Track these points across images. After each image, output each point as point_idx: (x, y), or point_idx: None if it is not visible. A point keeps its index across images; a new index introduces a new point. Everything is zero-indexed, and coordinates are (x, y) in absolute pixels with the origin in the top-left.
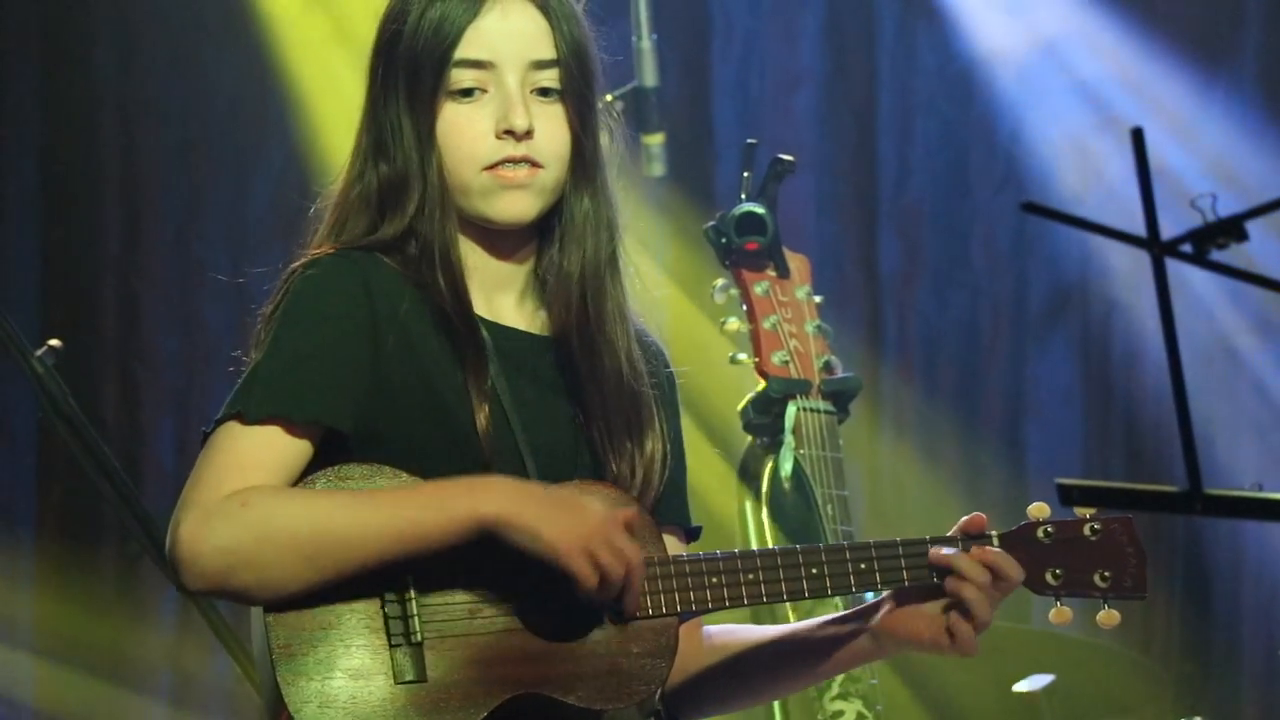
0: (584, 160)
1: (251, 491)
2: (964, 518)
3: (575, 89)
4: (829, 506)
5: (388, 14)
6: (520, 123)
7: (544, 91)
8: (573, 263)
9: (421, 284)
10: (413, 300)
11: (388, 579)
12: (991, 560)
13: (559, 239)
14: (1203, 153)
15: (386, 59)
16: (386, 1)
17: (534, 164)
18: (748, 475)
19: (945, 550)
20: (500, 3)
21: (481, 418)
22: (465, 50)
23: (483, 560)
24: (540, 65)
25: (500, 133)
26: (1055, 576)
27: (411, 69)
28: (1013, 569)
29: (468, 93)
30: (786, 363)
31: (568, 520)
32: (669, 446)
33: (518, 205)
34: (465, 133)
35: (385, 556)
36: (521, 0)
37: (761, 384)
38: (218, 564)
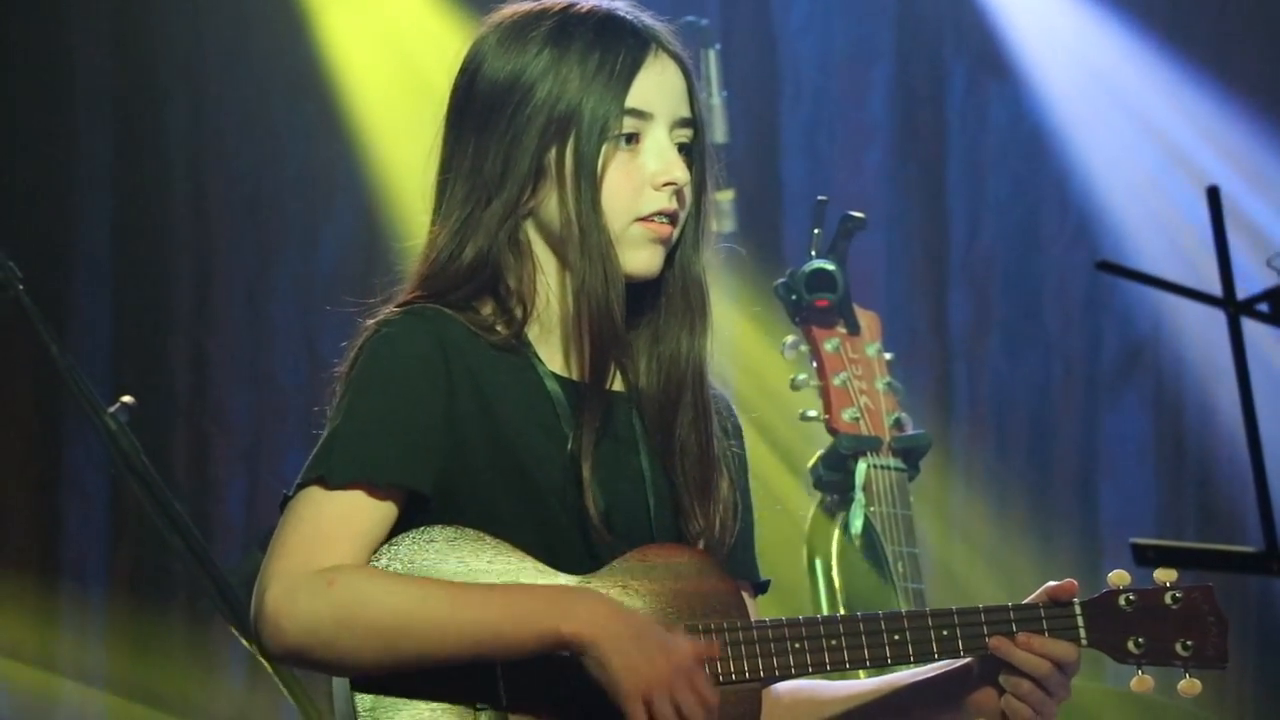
0: (703, 223)
1: (340, 570)
2: (1052, 584)
3: (703, 151)
4: (900, 564)
5: (510, 52)
6: (683, 176)
7: (679, 148)
8: (672, 326)
9: (494, 341)
10: (487, 358)
11: (479, 687)
12: (1046, 651)
13: (664, 299)
14: None
15: (521, 100)
16: (494, 43)
17: (673, 221)
18: (818, 532)
19: (1003, 644)
20: (659, 57)
21: (561, 476)
22: (633, 99)
23: (574, 675)
24: (683, 123)
25: (660, 185)
26: (1138, 645)
27: (570, 113)
28: (1067, 651)
29: (631, 141)
30: (857, 420)
31: (641, 659)
32: (739, 498)
33: (655, 260)
34: (627, 182)
35: (463, 657)
36: (671, 58)
37: (831, 441)
38: (299, 640)
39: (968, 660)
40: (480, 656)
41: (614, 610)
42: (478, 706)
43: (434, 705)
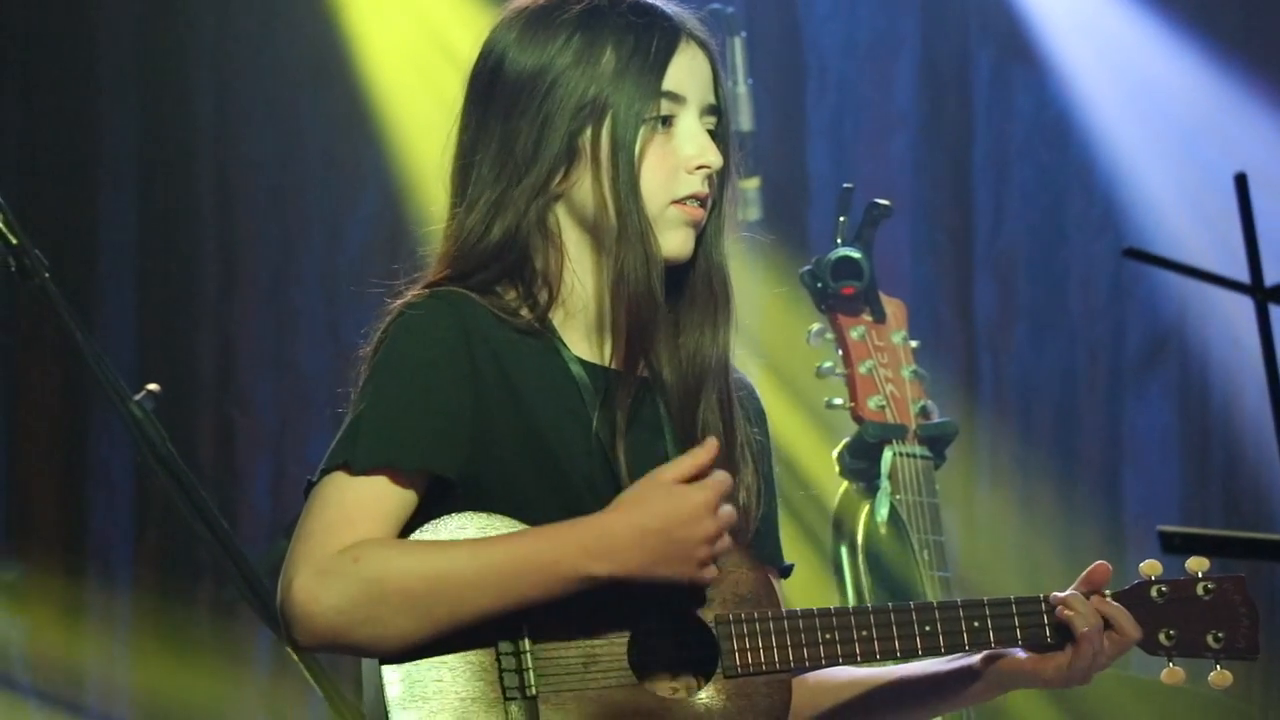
0: (726, 211)
1: (363, 546)
2: (1089, 567)
3: (727, 138)
4: (925, 552)
5: (539, 37)
6: (717, 160)
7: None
8: (695, 314)
9: (517, 325)
10: (511, 342)
11: (502, 628)
12: (1108, 611)
13: (688, 287)
14: None
15: (553, 82)
16: (520, 27)
17: (705, 204)
18: (844, 520)
19: (1060, 595)
20: (690, 43)
21: (586, 462)
22: (668, 82)
23: (597, 609)
24: (711, 110)
25: (693, 168)
26: (1169, 637)
27: (606, 95)
28: (1128, 623)
29: (665, 124)
30: (883, 408)
31: (674, 551)
32: (763, 484)
33: (688, 243)
34: (662, 165)
35: (498, 610)
36: (699, 45)
37: (857, 429)
38: (333, 622)
39: (975, 659)
40: (516, 607)
41: (626, 528)
42: (505, 691)
43: (462, 692)
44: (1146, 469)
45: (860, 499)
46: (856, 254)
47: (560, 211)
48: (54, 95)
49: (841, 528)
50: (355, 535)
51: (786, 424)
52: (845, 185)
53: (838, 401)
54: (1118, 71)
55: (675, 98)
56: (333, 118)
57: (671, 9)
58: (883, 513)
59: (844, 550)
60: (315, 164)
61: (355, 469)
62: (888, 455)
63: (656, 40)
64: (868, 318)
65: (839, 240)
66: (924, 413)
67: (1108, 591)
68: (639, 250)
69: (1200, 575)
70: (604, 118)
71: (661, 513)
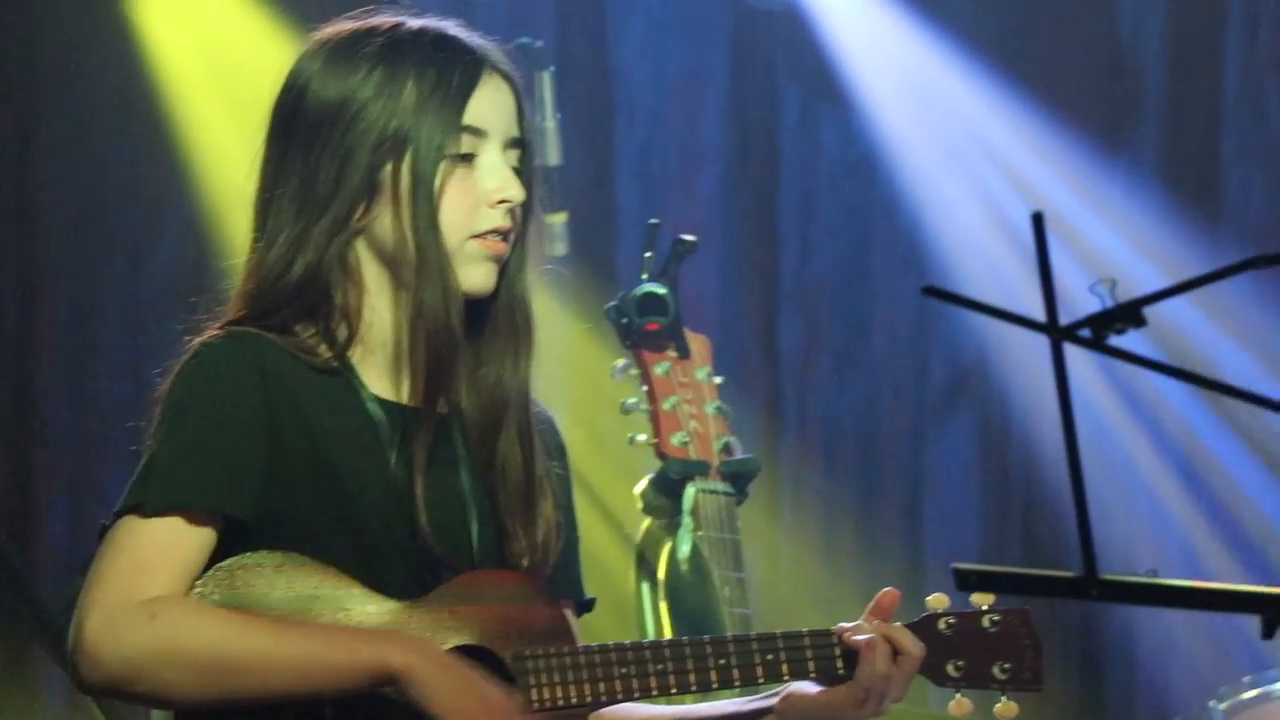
0: (528, 242)
1: (161, 603)
2: (877, 594)
3: (530, 172)
4: (727, 589)
5: (340, 69)
6: (518, 194)
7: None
8: (496, 347)
9: (315, 364)
10: (308, 381)
11: (303, 707)
12: (891, 634)
13: (489, 321)
14: (1113, 223)
15: (354, 116)
16: (322, 60)
17: (507, 238)
18: (646, 557)
19: (848, 625)
20: (492, 76)
21: (383, 501)
22: (469, 116)
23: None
24: (514, 143)
25: (495, 202)
26: (957, 669)
27: (406, 129)
28: (911, 643)
29: (466, 158)
30: (686, 444)
31: (463, 700)
32: (562, 518)
33: (490, 277)
34: (463, 200)
35: (285, 688)
36: (503, 77)
37: (660, 465)
38: (117, 672)
39: (772, 700)
40: (306, 689)
41: (438, 652)
42: None
43: None
44: (947, 505)
45: (662, 535)
46: (661, 290)
47: (360, 247)
48: None
49: (644, 564)
50: (150, 581)
51: (589, 460)
52: (652, 221)
53: (641, 438)
54: (922, 111)
55: (477, 131)
56: (136, 149)
57: (475, 42)
58: (685, 549)
59: (645, 587)
60: (118, 195)
61: (148, 511)
62: (690, 492)
63: (458, 74)
64: (672, 354)
65: (645, 276)
66: (727, 449)
67: (897, 624)
68: (438, 286)
69: (986, 608)
70: (404, 152)
71: (471, 670)
